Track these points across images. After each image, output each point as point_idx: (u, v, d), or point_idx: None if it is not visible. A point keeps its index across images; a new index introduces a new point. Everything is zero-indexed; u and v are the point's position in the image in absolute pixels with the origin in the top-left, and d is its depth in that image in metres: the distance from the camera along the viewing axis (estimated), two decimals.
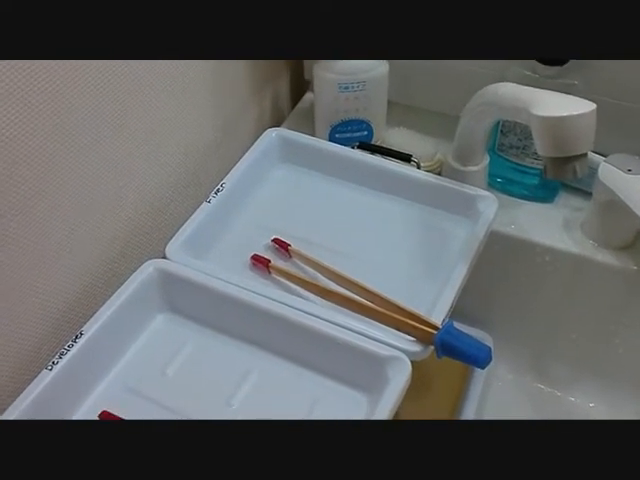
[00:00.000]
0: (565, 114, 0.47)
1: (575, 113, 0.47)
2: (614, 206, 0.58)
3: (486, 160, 0.63)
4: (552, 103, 0.49)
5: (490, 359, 0.47)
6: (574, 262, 0.63)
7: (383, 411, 0.46)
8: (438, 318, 0.50)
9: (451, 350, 0.48)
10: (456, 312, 0.68)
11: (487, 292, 0.69)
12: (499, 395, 0.70)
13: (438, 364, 0.67)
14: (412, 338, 0.50)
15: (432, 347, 0.49)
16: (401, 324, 0.50)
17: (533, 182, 0.66)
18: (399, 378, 0.48)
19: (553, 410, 0.69)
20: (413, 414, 0.63)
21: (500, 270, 0.67)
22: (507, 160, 0.65)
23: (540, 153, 0.49)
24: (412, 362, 0.48)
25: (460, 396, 0.65)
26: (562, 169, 0.48)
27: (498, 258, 0.66)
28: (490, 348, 0.47)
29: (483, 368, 0.47)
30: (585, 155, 0.48)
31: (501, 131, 0.64)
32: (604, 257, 0.62)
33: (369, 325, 0.50)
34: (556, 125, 0.47)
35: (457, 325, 0.53)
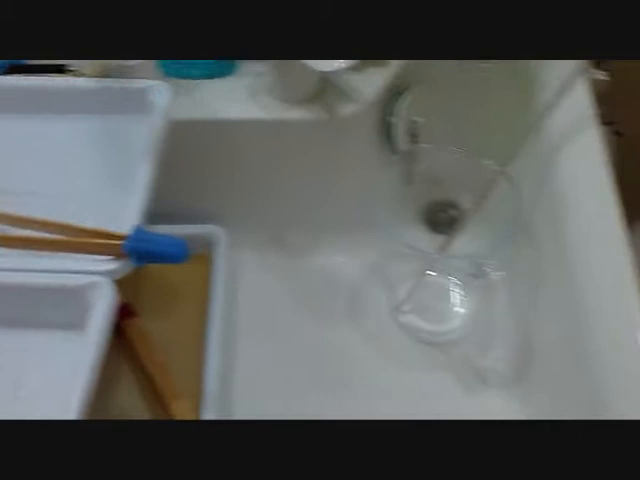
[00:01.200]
0: None
1: None
2: (288, 62, 0.57)
3: None
4: None
5: (186, 250, 0.44)
6: (270, 127, 0.62)
7: (93, 339, 0.43)
8: (129, 227, 0.47)
9: (146, 255, 0.45)
10: (180, 214, 0.65)
11: (202, 184, 0.66)
12: (249, 281, 0.68)
13: (180, 273, 0.65)
14: (106, 257, 0.46)
15: (129, 259, 0.46)
16: (90, 247, 0.46)
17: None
18: (103, 301, 0.44)
19: (302, 276, 0.69)
20: (165, 330, 0.61)
21: (204, 157, 0.64)
22: None
23: None
24: (150, 278, 0.45)
25: (209, 294, 0.63)
26: None
27: (198, 146, 0.63)
28: (183, 240, 0.44)
29: (182, 262, 0.45)
30: None
31: None
32: (296, 114, 0.61)
33: (59, 259, 0.46)
34: None
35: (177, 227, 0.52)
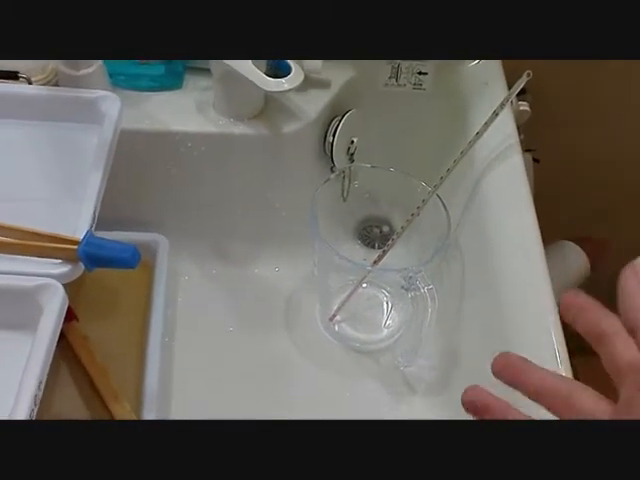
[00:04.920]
0: None
1: None
2: (232, 77, 0.59)
3: (98, 60, 0.60)
4: None
5: (137, 256, 0.46)
6: (215, 141, 0.64)
7: (42, 341, 0.44)
8: (81, 233, 0.48)
9: (98, 260, 0.46)
10: (125, 220, 0.67)
11: (147, 193, 0.68)
12: (189, 289, 0.70)
13: (119, 279, 0.67)
14: (59, 260, 0.47)
15: (80, 263, 0.47)
16: (42, 250, 0.47)
17: (158, 72, 0.65)
18: (53, 304, 0.46)
19: (241, 285, 0.71)
20: (105, 334, 0.62)
21: (152, 168, 0.66)
22: None
23: None
24: (91, 283, 0.46)
25: (149, 303, 0.65)
26: None
27: (144, 156, 0.65)
28: (134, 246, 0.46)
29: (134, 267, 0.46)
30: None
31: None
32: (241, 129, 0.64)
33: (9, 261, 0.47)
34: None
35: (122, 234, 0.56)
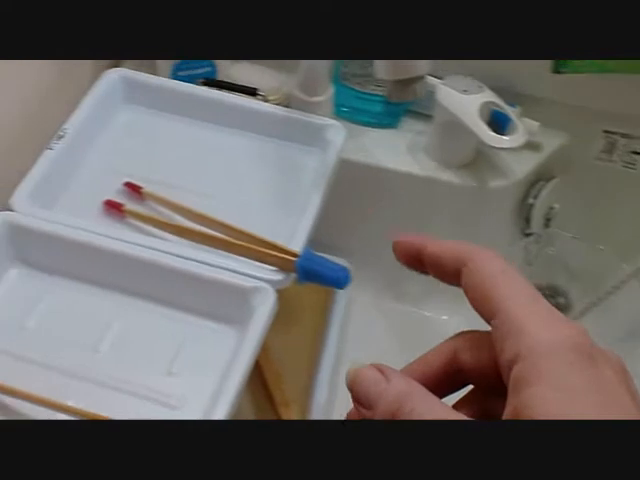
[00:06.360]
0: None
1: None
2: (453, 126, 0.61)
3: (331, 90, 0.64)
4: None
5: (349, 279, 0.49)
6: (420, 183, 0.66)
7: (251, 341, 0.47)
8: (297, 247, 0.52)
9: (312, 275, 0.49)
10: (315, 241, 0.70)
11: (343, 220, 0.71)
12: (360, 316, 0.73)
13: (301, 294, 0.70)
14: (274, 267, 0.51)
15: (294, 274, 0.50)
16: (262, 255, 0.50)
17: (378, 109, 0.68)
18: (264, 307, 0.49)
19: (409, 326, 0.73)
20: (281, 344, 0.65)
21: (354, 197, 0.69)
22: (351, 89, 0.67)
23: (383, 77, 0.50)
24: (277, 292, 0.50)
25: (324, 322, 0.67)
26: (404, 90, 0.50)
27: (351, 186, 0.67)
28: (348, 269, 0.49)
29: (343, 288, 0.49)
30: (422, 77, 0.50)
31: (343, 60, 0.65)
32: (448, 176, 0.66)
33: (231, 259, 0.51)
34: None
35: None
